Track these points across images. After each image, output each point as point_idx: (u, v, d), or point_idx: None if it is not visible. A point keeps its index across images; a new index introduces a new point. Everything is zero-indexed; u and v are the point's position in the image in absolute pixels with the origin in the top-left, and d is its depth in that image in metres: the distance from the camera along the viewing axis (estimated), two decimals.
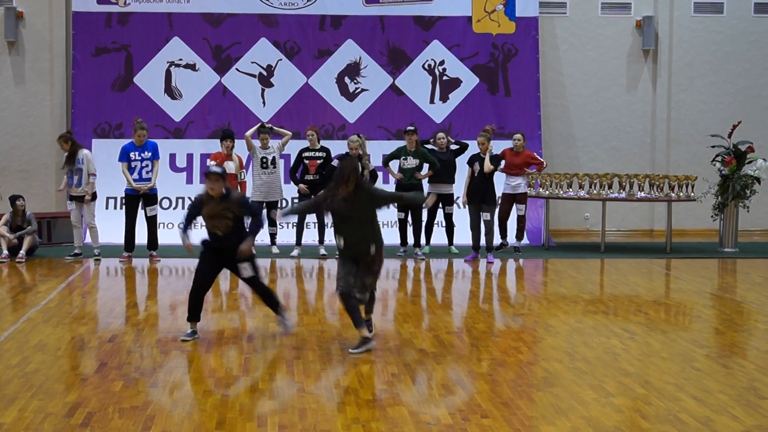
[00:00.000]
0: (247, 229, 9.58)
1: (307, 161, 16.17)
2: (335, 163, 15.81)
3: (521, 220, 16.97)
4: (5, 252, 15.47)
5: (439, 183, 16.49)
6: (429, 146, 16.63)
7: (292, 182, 16.47)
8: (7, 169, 18.82)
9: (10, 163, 18.97)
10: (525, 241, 17.70)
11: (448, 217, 16.74)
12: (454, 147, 16.68)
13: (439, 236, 17.07)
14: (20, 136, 19.19)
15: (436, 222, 16.96)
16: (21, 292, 12.70)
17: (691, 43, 20.45)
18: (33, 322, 10.46)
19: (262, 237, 16.65)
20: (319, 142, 16.35)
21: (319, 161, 16.15)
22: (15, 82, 19.24)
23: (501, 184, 16.82)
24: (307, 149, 16.31)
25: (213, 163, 15.27)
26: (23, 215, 15.84)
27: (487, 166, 15.41)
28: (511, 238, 17.08)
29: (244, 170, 16.14)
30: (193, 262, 10.11)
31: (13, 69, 19.22)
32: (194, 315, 9.68)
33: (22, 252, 15.47)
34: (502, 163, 16.48)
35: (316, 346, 9.36)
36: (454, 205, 16.84)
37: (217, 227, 9.40)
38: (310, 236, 16.74)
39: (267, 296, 9.97)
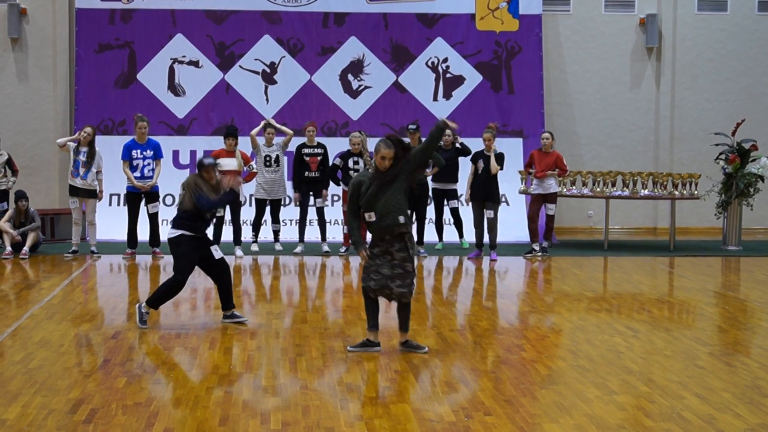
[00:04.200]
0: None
1: (307, 158, 16.15)
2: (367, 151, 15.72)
3: (551, 219, 16.67)
4: (8, 248, 15.47)
5: (441, 181, 16.48)
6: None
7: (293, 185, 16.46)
8: None
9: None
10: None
11: (455, 212, 16.72)
12: (457, 146, 16.59)
13: (448, 233, 17.09)
14: (23, 132, 19.19)
15: (444, 220, 17.01)
16: (24, 289, 12.70)
17: (695, 41, 20.44)
18: (36, 318, 10.47)
19: (265, 234, 16.65)
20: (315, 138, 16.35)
21: (319, 158, 16.14)
22: (18, 79, 19.24)
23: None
24: (304, 146, 16.27)
25: None
26: (26, 213, 15.84)
27: (494, 167, 15.34)
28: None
29: (253, 162, 16.07)
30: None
31: (16, 65, 19.22)
32: (159, 304, 10.23)
33: (26, 248, 15.48)
34: (530, 167, 16.41)
35: (319, 343, 9.36)
36: (458, 201, 16.75)
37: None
38: (313, 233, 16.72)
39: (227, 288, 10.29)
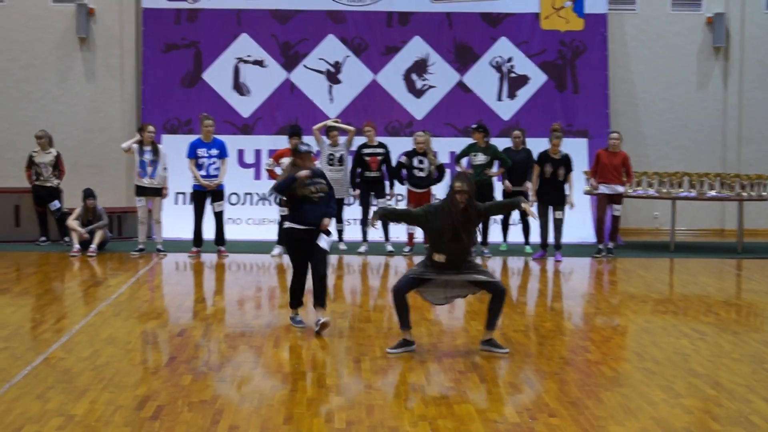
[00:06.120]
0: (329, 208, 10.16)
1: (367, 158, 16.18)
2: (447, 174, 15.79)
3: (617, 220, 16.47)
4: (77, 246, 15.68)
5: (512, 183, 16.28)
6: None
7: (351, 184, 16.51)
8: (78, 164, 19.02)
9: (81, 158, 19.20)
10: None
11: (524, 215, 16.57)
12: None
13: (513, 234, 17.02)
14: (91, 131, 19.44)
15: (511, 221, 16.99)
16: (92, 286, 12.87)
17: (763, 41, 20.14)
18: (103, 315, 10.60)
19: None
20: (376, 138, 16.36)
21: (379, 158, 16.15)
22: (86, 78, 19.49)
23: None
24: (365, 146, 16.30)
25: (270, 161, 15.54)
26: (94, 211, 16.04)
27: (570, 201, 15.60)
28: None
29: (317, 162, 16.12)
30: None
31: (84, 65, 19.48)
32: (298, 302, 10.16)
33: (93, 246, 15.68)
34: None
35: (382, 342, 9.36)
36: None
37: (315, 192, 10.00)
38: (376, 233, 16.70)
39: (323, 286, 9.98)
